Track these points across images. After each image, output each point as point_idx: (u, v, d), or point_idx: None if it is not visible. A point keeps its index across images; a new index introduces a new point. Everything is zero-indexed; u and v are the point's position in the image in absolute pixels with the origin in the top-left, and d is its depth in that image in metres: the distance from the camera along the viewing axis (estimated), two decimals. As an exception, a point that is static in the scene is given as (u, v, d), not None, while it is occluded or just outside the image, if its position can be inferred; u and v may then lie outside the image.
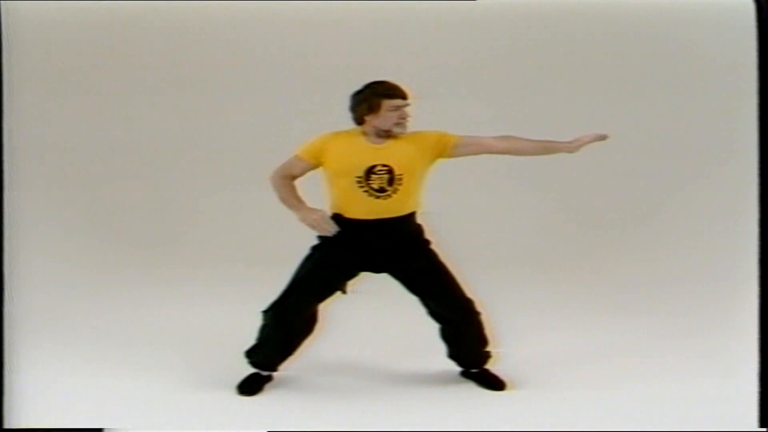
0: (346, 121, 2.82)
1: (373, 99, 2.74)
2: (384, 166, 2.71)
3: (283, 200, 2.82)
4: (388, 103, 2.73)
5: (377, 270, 2.84)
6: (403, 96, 2.75)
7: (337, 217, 2.79)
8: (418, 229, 2.85)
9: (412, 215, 2.81)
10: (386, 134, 2.75)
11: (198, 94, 5.10)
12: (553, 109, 5.11)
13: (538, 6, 4.76)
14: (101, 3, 4.35)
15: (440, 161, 2.83)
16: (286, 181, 2.82)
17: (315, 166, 2.80)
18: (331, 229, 2.74)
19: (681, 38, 4.70)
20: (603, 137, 2.87)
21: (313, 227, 2.76)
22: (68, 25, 4.49)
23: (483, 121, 5.10)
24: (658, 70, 4.88)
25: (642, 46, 4.83)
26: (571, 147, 2.89)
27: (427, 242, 2.86)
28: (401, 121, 2.74)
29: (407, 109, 2.75)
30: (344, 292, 2.85)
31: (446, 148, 2.79)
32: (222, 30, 4.89)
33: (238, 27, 4.86)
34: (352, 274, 2.84)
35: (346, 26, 4.71)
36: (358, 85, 2.80)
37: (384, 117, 2.74)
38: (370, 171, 2.71)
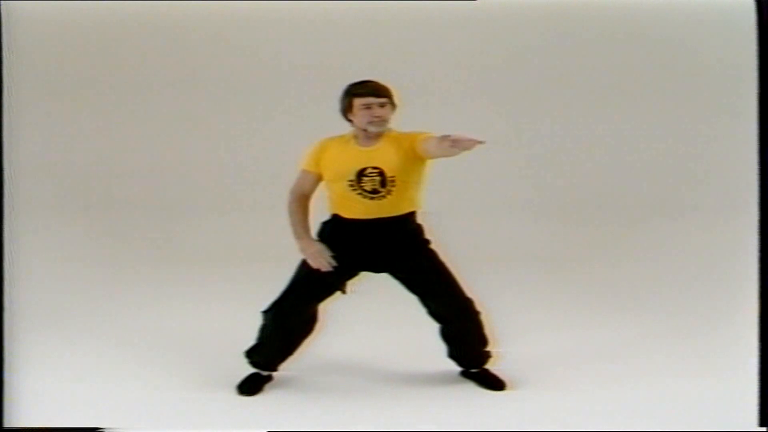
0: (346, 123, 2.81)
1: (346, 98, 2.75)
2: (375, 168, 2.70)
3: (292, 225, 2.80)
4: (358, 102, 2.71)
5: (377, 270, 2.83)
6: (374, 94, 2.71)
7: (335, 218, 2.79)
8: (418, 229, 2.84)
9: (410, 215, 2.80)
10: (376, 135, 2.73)
11: (198, 95, 5.11)
12: (552, 109, 5.12)
13: (538, 6, 4.76)
14: (101, 3, 4.35)
15: (435, 161, 2.79)
16: (298, 205, 2.81)
17: (321, 176, 2.81)
18: (327, 264, 2.74)
19: (681, 38, 4.70)
20: (472, 144, 2.41)
21: (309, 260, 2.77)
22: (68, 25, 4.49)
23: (483, 121, 5.12)
24: (658, 70, 4.89)
25: (642, 47, 4.84)
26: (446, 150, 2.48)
27: (426, 242, 2.86)
28: (374, 120, 2.70)
29: (382, 108, 2.70)
30: (344, 292, 2.84)
31: (418, 148, 2.69)
32: (222, 31, 4.90)
33: (239, 28, 4.86)
34: (352, 274, 2.84)
35: (344, 27, 4.72)
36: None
37: (358, 116, 2.72)
38: (361, 174, 2.70)
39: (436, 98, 4.81)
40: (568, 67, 5.01)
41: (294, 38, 4.91)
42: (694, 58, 4.76)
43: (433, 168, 2.81)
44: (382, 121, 2.72)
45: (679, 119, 4.98)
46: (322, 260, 2.75)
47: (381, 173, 2.70)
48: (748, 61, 2.82)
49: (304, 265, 2.81)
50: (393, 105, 2.76)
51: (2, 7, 2.88)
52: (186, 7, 4.53)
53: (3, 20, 2.85)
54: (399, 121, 2.81)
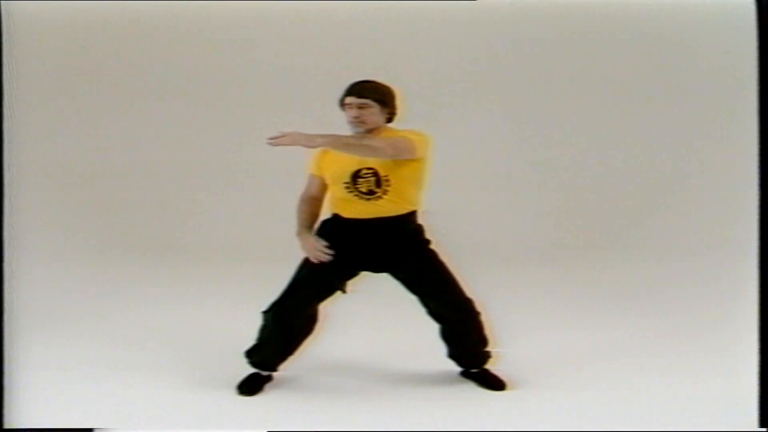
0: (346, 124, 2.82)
1: (341, 98, 2.77)
2: (369, 169, 2.70)
3: (297, 224, 2.82)
4: (344, 101, 2.75)
5: (377, 270, 2.83)
6: (356, 94, 2.72)
7: (335, 217, 2.80)
8: (418, 229, 2.84)
9: (410, 215, 2.80)
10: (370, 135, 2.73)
11: (199, 94, 5.12)
12: (552, 108, 5.12)
13: (538, 6, 4.76)
14: (101, 3, 4.35)
15: (435, 161, 2.80)
16: (306, 206, 2.84)
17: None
18: (323, 255, 2.74)
19: (681, 38, 4.70)
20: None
21: (306, 253, 2.78)
22: (68, 25, 4.49)
23: (482, 120, 5.12)
24: (658, 70, 4.89)
25: (642, 47, 4.84)
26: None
27: (426, 242, 2.85)
28: (352, 120, 2.73)
29: (361, 110, 2.70)
30: (344, 291, 2.84)
31: None
32: (222, 31, 4.90)
33: (239, 29, 4.87)
34: (352, 274, 2.84)
35: (344, 26, 4.72)
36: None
37: (347, 115, 2.75)
38: (356, 175, 2.71)
39: (436, 98, 4.81)
40: (567, 67, 5.02)
41: (294, 41, 4.91)
42: (694, 58, 4.76)
43: (433, 168, 2.81)
44: (360, 122, 2.72)
45: (679, 119, 4.98)
46: (318, 252, 2.75)
47: (375, 173, 2.70)
48: (748, 61, 2.82)
49: (304, 265, 2.81)
50: (384, 107, 2.75)
51: (2, 7, 2.88)
52: (187, 8, 4.53)
53: (3, 20, 2.85)
54: (399, 121, 2.82)
